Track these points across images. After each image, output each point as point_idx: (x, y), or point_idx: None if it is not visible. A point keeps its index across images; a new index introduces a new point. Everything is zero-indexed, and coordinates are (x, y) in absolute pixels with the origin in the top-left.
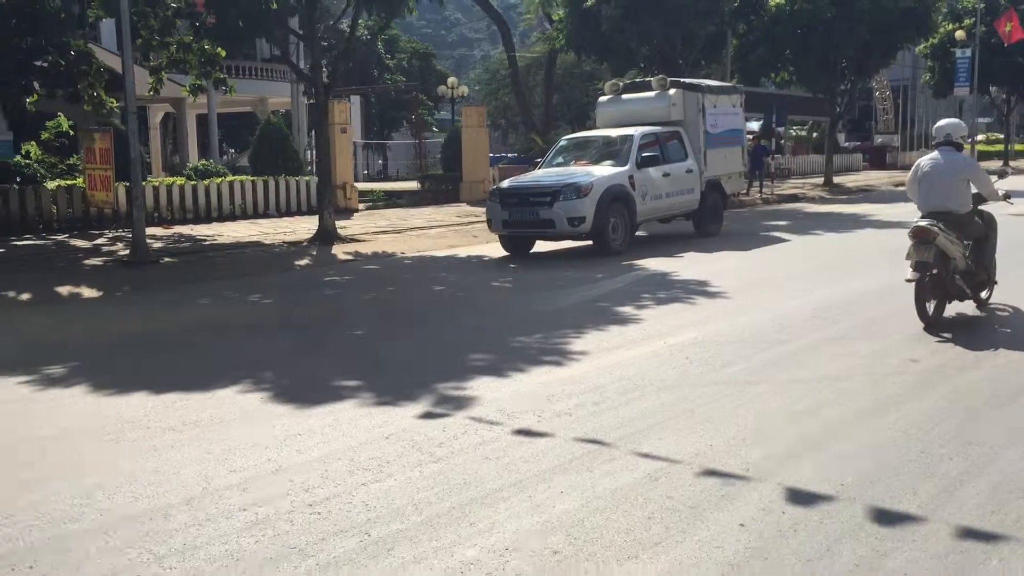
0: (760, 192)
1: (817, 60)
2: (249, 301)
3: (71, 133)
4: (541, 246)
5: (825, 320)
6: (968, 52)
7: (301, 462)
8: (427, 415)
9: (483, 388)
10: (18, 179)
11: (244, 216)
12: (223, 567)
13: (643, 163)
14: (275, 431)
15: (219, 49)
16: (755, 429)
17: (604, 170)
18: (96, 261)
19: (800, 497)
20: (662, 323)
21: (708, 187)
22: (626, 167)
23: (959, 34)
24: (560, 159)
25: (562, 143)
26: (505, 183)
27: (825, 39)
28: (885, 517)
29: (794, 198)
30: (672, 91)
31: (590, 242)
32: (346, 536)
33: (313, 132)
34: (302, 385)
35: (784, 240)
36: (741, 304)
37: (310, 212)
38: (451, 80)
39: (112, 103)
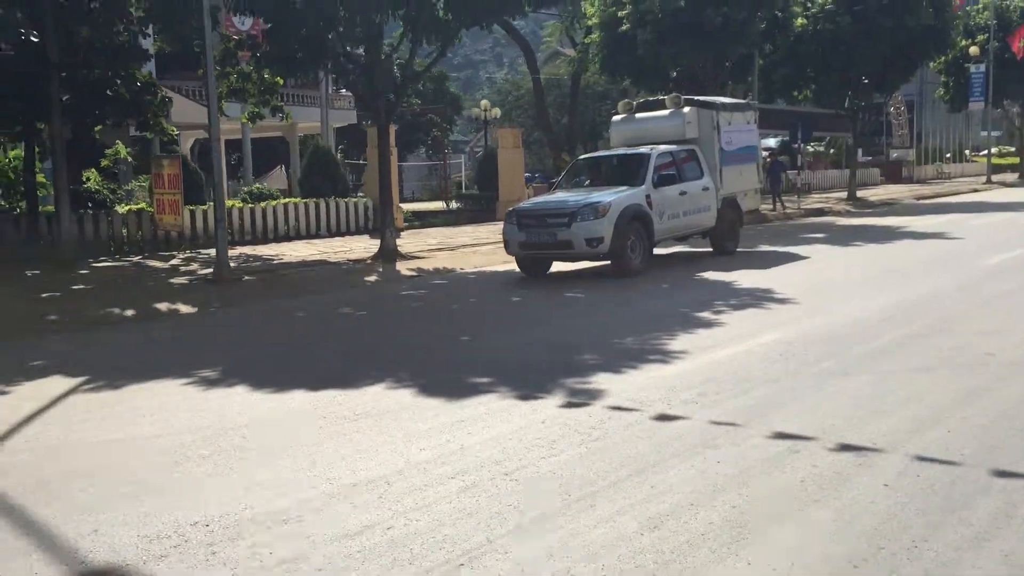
0: (784, 207)
1: (839, 78)
2: (342, 313)
3: (130, 160)
4: (556, 267)
5: (896, 321)
6: (982, 67)
7: (478, 442)
8: (568, 404)
9: (606, 382)
10: (89, 204)
11: (297, 237)
12: (459, 519)
13: (659, 182)
14: (439, 419)
15: (278, 78)
16: (866, 411)
17: (621, 190)
18: (181, 280)
19: (929, 464)
20: (744, 326)
21: (724, 204)
22: (643, 186)
23: (973, 50)
24: (576, 179)
25: (578, 163)
26: (521, 204)
27: (846, 57)
28: (1009, 477)
29: (820, 212)
30: (686, 109)
31: (607, 262)
32: (549, 496)
33: (340, 154)
34: (441, 382)
35: (831, 250)
36: (811, 308)
37: (358, 232)
38: (484, 103)
39: (173, 131)
